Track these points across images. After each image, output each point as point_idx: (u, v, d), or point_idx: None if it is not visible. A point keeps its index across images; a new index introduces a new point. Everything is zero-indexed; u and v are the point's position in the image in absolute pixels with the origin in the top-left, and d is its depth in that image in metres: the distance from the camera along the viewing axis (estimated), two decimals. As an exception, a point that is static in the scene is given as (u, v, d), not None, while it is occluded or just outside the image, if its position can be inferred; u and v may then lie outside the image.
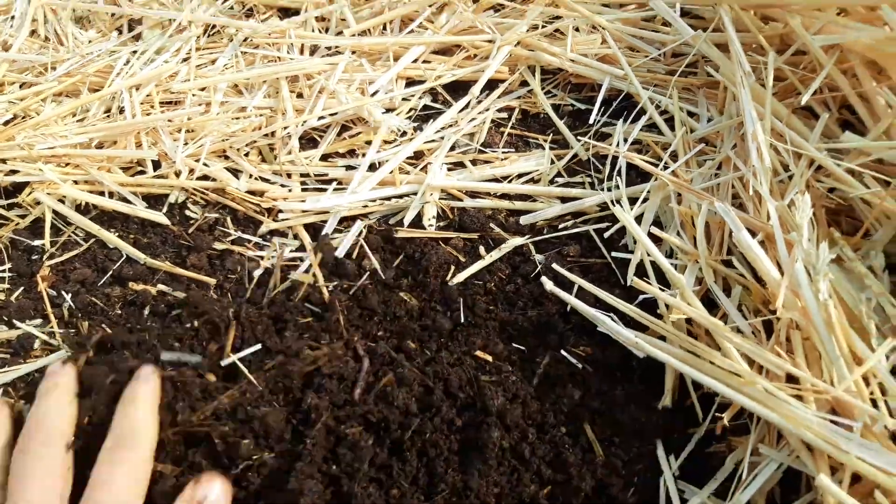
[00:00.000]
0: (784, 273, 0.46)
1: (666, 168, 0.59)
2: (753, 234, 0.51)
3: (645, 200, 0.58)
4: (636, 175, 0.62)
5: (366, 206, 0.62)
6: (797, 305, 0.45)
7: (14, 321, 0.58)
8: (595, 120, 0.67)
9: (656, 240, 0.55)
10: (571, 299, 0.53)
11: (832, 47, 0.57)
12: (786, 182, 0.54)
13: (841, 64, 0.57)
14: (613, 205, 0.57)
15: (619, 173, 0.61)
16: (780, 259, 0.48)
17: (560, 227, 0.60)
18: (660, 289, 0.51)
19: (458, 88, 0.73)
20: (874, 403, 0.41)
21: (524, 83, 0.72)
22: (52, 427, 0.44)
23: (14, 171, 0.68)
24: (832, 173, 0.52)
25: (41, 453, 0.43)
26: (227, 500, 0.43)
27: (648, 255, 0.53)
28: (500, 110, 0.70)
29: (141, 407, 0.45)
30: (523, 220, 0.60)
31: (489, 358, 0.52)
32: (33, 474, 0.42)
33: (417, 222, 0.61)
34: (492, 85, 0.72)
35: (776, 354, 0.46)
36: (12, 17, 0.86)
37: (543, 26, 0.74)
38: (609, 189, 0.60)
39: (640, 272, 0.54)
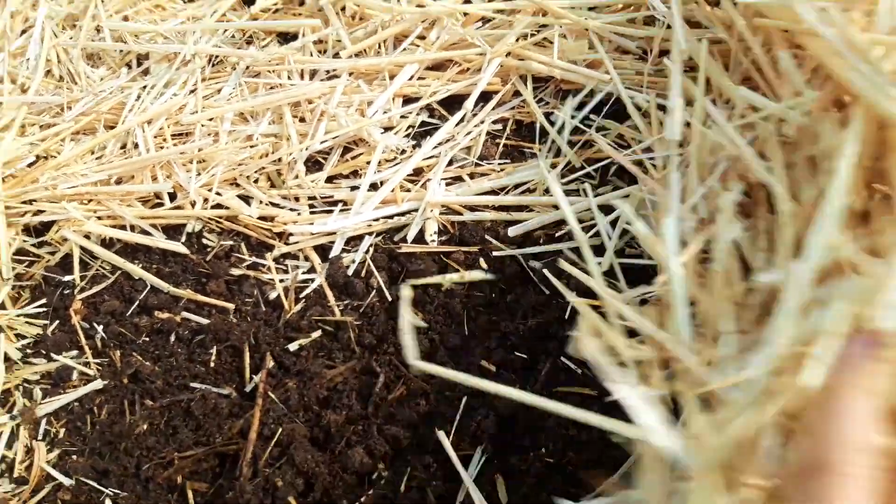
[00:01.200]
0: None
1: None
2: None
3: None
4: (629, 179, 0.64)
5: (370, 226, 0.66)
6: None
7: (52, 354, 0.63)
8: (587, 125, 0.69)
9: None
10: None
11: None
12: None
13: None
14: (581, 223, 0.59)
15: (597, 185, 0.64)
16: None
17: (556, 234, 0.62)
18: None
19: (453, 103, 0.75)
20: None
21: (517, 93, 0.74)
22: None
23: (41, 211, 0.72)
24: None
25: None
26: None
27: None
28: (494, 122, 0.72)
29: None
30: (511, 231, 0.62)
31: (493, 368, 0.55)
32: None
33: (420, 238, 0.64)
34: (486, 97, 0.74)
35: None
36: (27, 59, 0.91)
37: (532, 35, 0.76)
38: (598, 195, 0.63)
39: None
